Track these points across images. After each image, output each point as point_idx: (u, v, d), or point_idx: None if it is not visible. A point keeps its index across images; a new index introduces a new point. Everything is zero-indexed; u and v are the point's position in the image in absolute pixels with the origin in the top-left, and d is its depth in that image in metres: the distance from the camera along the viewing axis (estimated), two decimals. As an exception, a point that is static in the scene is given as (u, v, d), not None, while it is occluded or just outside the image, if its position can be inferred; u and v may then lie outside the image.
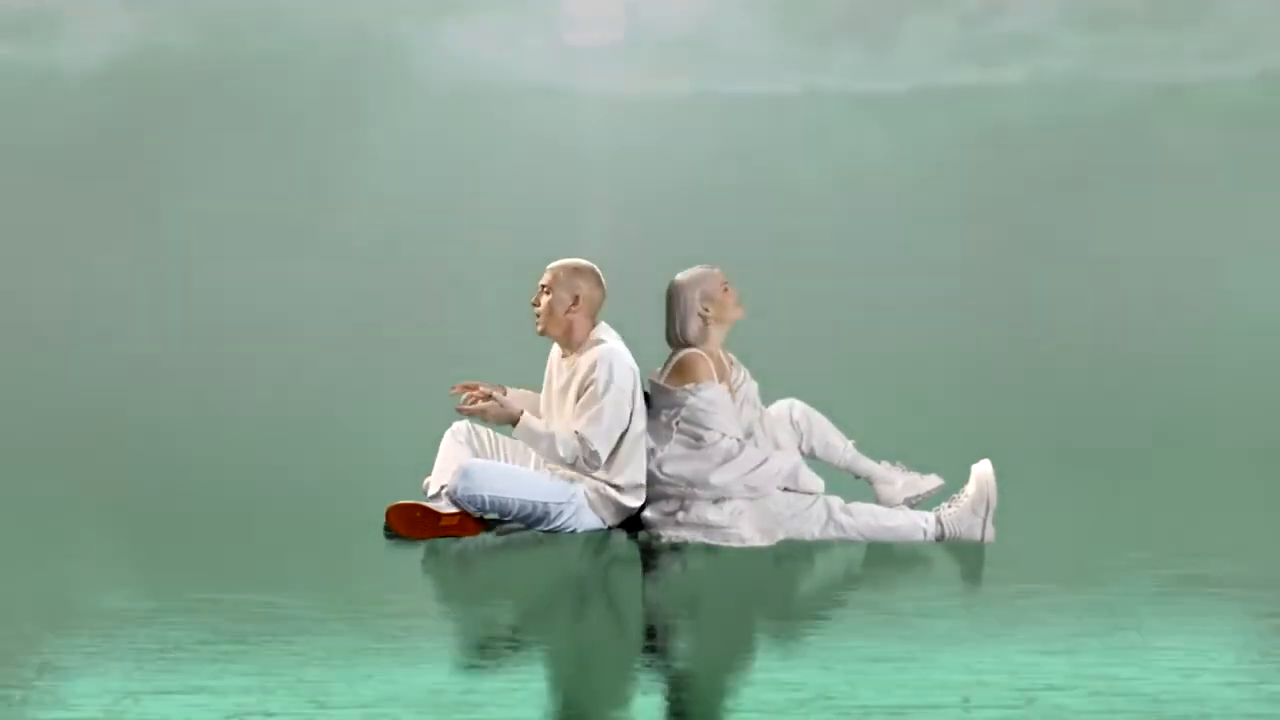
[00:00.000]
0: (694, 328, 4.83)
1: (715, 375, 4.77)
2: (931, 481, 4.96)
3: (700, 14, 13.36)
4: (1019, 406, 8.27)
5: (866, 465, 4.98)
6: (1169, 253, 11.33)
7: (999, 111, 12.79)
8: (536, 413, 4.93)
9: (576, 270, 4.90)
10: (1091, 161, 12.28)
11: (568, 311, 4.85)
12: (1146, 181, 12.02)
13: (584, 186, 13.59)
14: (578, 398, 4.77)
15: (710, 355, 4.82)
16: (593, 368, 4.74)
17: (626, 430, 4.74)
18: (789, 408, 5.00)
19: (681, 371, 4.77)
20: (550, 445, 4.72)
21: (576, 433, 4.70)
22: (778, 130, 12.94)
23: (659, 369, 4.86)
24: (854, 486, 4.97)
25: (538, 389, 5.04)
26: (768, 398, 5.02)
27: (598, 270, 4.94)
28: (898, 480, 4.94)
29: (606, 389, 4.70)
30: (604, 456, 4.71)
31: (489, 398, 4.73)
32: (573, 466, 4.75)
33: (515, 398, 4.96)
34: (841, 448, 4.99)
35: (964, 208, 12.01)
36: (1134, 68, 12.72)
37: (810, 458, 4.99)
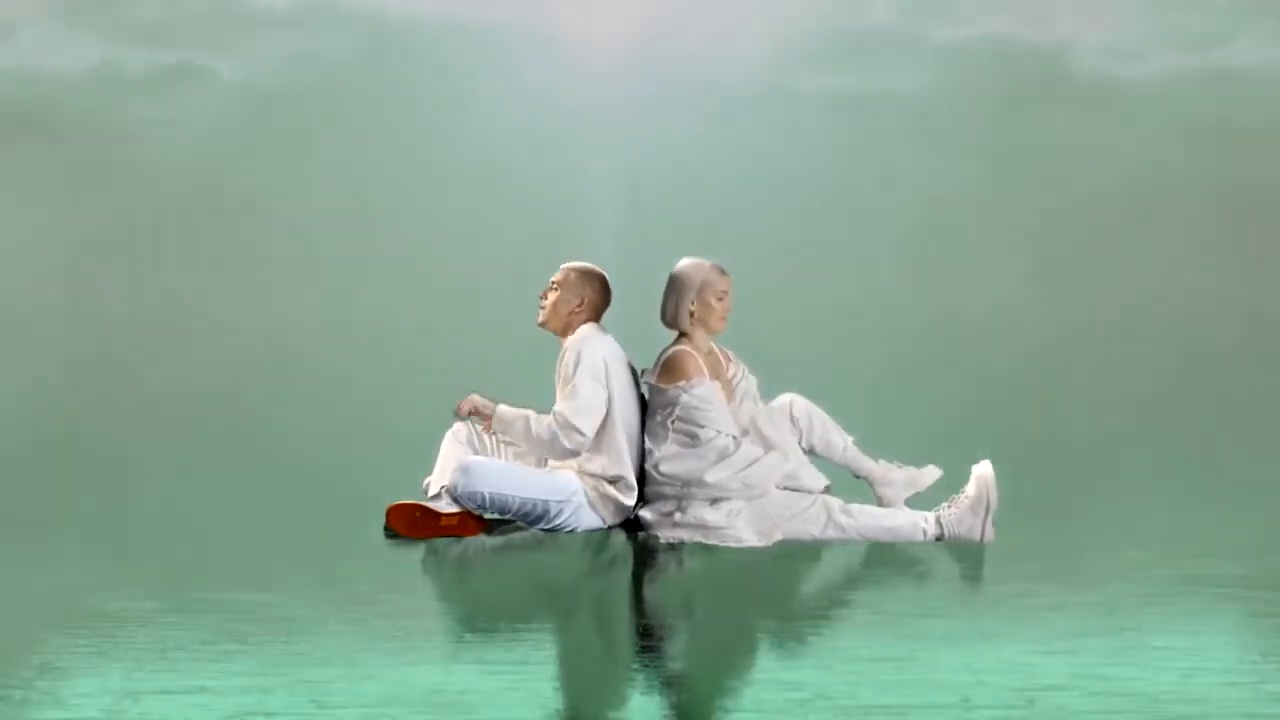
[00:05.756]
0: (684, 319, 4.85)
1: (705, 372, 4.77)
2: (931, 474, 4.94)
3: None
4: (1018, 407, 8.28)
5: (866, 465, 4.95)
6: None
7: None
8: None
9: (587, 275, 4.95)
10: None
11: (571, 312, 4.91)
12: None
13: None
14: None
15: (699, 352, 4.82)
16: (563, 354, 4.87)
17: (609, 415, 4.76)
18: (789, 404, 4.98)
19: (671, 370, 4.77)
20: (525, 426, 4.82)
21: (555, 410, 4.77)
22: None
23: (649, 369, 4.86)
24: (857, 486, 4.95)
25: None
26: (771, 392, 5.00)
27: (606, 276, 4.98)
28: (897, 478, 4.92)
29: (576, 368, 4.79)
30: (588, 431, 4.76)
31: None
32: (553, 446, 4.78)
33: None
34: (841, 445, 4.96)
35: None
36: None
37: (810, 454, 4.96)
